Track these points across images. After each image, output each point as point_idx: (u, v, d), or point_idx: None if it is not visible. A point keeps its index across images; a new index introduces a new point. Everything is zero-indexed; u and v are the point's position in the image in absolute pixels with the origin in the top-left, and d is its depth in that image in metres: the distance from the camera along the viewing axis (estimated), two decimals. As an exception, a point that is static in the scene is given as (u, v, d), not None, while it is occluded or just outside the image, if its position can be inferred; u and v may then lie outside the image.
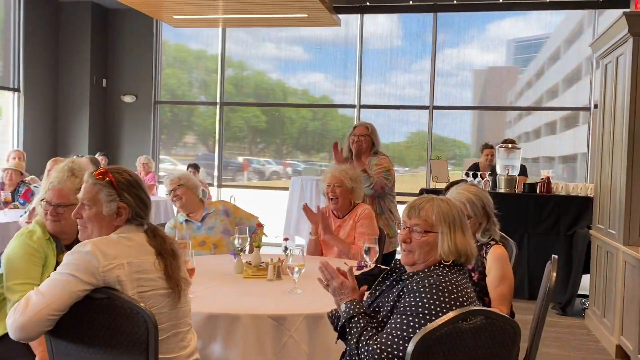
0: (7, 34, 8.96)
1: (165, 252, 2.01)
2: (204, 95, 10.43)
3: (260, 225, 4.12)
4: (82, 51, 9.60)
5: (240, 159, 10.60)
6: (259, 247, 3.30)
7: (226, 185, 10.00)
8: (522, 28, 9.39)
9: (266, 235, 4.07)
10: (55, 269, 1.94)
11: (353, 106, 9.48)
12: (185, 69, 10.69)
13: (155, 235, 2.04)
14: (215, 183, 9.95)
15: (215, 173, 10.02)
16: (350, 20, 9.36)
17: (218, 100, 9.91)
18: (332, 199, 3.90)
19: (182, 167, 9.83)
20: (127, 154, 9.81)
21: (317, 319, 2.39)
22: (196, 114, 10.63)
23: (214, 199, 8.95)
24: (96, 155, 8.05)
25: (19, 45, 8.95)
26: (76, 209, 2.08)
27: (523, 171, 6.63)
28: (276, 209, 8.63)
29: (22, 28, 8.95)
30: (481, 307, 1.94)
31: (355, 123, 6.38)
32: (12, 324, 1.83)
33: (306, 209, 3.96)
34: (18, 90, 9.01)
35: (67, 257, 1.91)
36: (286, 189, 8.47)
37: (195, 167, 8.62)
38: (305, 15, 7.99)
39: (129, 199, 2.03)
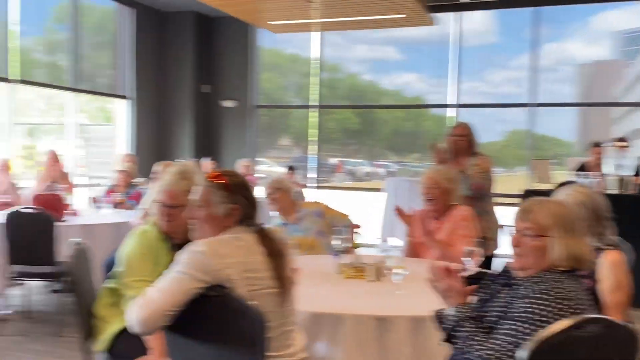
0: (117, 45, 9.54)
1: (274, 252, 2.06)
2: (298, 99, 10.59)
3: (356, 226, 4.16)
4: (186, 59, 10.02)
5: (333, 160, 10.69)
6: (356, 247, 3.32)
7: (322, 187, 10.10)
8: (629, 19, 8.85)
9: (359, 234, 4.09)
10: (168, 267, 2.03)
11: (447, 106, 9.27)
12: (280, 73, 10.91)
13: (264, 236, 2.10)
14: (314, 185, 10.04)
15: (313, 175, 10.11)
16: (443, 19, 9.19)
17: (317, 103, 9.95)
18: (428, 200, 3.85)
19: (278, 169, 10.05)
20: (227, 157, 10.11)
21: (420, 321, 2.37)
22: (291, 117, 10.84)
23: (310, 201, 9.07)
24: (205, 160, 8.36)
25: (129, 55, 9.51)
26: (190, 210, 2.16)
27: (638, 171, 6.23)
28: (369, 209, 8.64)
29: (132, 39, 9.48)
30: (599, 315, 1.85)
31: (454, 123, 6.28)
32: (134, 319, 1.93)
33: (399, 211, 3.93)
34: (128, 97, 9.57)
35: (181, 256, 1.98)
36: (378, 189, 8.45)
37: (293, 169, 8.84)
38: (404, 16, 7.86)
39: (241, 201, 2.09)
